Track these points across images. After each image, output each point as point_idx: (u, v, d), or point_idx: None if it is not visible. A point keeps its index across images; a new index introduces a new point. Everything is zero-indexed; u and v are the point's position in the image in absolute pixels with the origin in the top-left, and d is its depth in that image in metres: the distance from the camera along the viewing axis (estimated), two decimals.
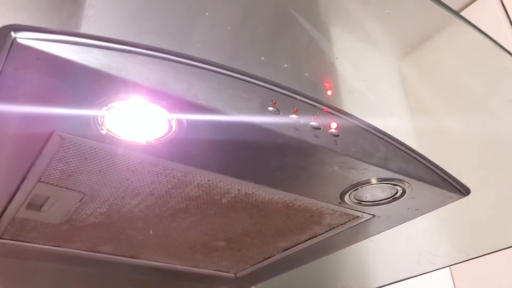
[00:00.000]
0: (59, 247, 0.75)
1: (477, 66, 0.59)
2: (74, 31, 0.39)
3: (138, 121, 0.45)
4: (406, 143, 0.61)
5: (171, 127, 0.46)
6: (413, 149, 0.61)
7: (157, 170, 0.55)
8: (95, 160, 0.52)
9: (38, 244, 0.73)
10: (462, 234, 0.79)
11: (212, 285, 0.97)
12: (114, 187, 0.58)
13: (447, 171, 0.63)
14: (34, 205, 0.61)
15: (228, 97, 0.46)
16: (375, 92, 0.60)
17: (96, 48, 0.39)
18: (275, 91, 0.51)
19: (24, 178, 0.54)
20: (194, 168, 0.55)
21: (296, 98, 0.52)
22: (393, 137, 0.59)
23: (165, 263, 0.85)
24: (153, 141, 0.48)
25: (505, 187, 0.69)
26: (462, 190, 0.65)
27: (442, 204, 0.67)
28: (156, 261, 0.84)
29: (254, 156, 0.53)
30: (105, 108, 0.43)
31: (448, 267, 1.04)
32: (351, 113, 0.57)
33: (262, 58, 0.52)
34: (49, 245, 0.74)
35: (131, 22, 0.45)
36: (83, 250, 0.77)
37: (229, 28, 0.51)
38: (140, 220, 0.67)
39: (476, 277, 1.07)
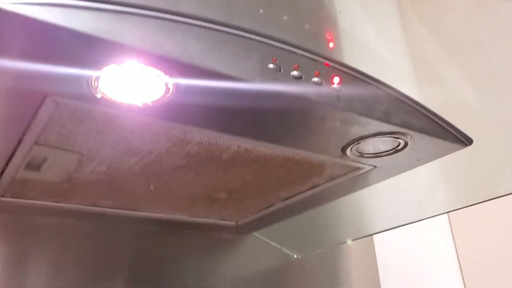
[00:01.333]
0: (60, 202, 0.75)
1: (486, 16, 0.57)
2: None
3: (134, 83, 0.44)
4: (408, 94, 0.60)
5: (168, 89, 0.44)
6: (416, 101, 0.59)
7: (156, 129, 0.54)
8: (92, 123, 0.51)
9: (39, 201, 0.73)
10: (460, 181, 0.79)
11: (213, 232, 0.98)
12: (112, 147, 0.57)
13: (449, 121, 0.62)
14: (33, 165, 0.60)
15: (226, 56, 0.44)
16: (378, 44, 0.58)
17: (84, 10, 0.37)
18: (276, 46, 0.49)
19: (20, 141, 0.53)
20: (193, 127, 0.53)
21: (297, 53, 0.50)
22: (395, 89, 0.58)
23: (166, 214, 0.86)
24: (150, 103, 0.47)
25: (505, 135, 0.69)
26: (465, 141, 0.64)
27: (443, 154, 0.66)
28: (158, 213, 0.85)
29: (254, 114, 0.52)
30: (99, 71, 0.41)
31: (446, 214, 1.05)
32: (353, 66, 0.56)
33: (261, 11, 0.49)
34: (50, 201, 0.74)
35: None
36: (84, 205, 0.77)
37: None
38: (141, 176, 0.67)
39: (473, 224, 1.09)
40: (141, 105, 0.47)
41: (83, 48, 0.38)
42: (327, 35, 0.54)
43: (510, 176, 0.75)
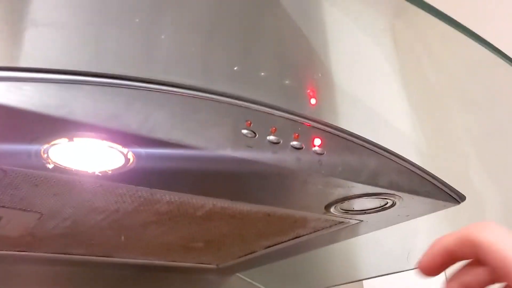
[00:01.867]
0: (27, 252, 0.70)
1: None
2: None
3: (90, 154, 0.39)
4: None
5: (128, 159, 0.40)
6: (406, 159, 0.55)
7: (120, 192, 0.49)
8: (47, 186, 0.46)
9: (3, 251, 0.68)
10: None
11: (193, 275, 0.93)
12: (74, 207, 0.52)
13: (443, 180, 0.58)
14: None
15: (194, 125, 0.39)
16: (372, 92, 0.54)
17: (27, 83, 0.32)
18: (250, 108, 0.44)
19: None
20: (161, 190, 0.49)
21: (274, 114, 0.46)
22: (385, 148, 0.53)
23: (141, 259, 0.81)
24: (109, 172, 0.42)
25: (503, 190, 0.65)
26: (457, 198, 0.60)
27: (434, 211, 0.62)
28: (132, 258, 0.80)
29: (228, 178, 0.47)
30: (47, 145, 0.37)
31: None
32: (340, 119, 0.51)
33: (235, 68, 0.45)
34: (15, 251, 0.69)
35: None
36: (53, 253, 0.72)
37: (197, 37, 0.43)
38: (109, 230, 0.62)
39: None
40: (100, 174, 0.42)
41: (27, 125, 0.34)
42: (309, 90, 0.50)
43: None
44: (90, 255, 0.75)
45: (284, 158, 0.44)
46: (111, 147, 0.38)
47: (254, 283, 1.03)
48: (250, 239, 0.73)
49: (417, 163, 0.56)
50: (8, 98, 0.31)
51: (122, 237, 0.66)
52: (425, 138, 0.63)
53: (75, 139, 0.36)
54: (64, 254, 0.73)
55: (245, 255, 0.83)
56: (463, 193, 0.60)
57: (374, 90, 0.60)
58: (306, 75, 0.51)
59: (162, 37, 0.40)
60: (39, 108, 0.32)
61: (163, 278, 0.91)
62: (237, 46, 0.47)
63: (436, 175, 0.57)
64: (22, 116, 0.33)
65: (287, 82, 0.49)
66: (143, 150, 0.39)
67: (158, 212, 0.56)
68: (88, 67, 0.35)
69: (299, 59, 0.52)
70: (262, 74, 0.47)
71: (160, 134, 0.37)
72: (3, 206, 0.50)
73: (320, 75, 0.53)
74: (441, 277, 0.95)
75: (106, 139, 0.36)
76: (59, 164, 0.40)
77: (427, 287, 1.16)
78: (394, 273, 0.84)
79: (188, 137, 0.39)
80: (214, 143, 0.40)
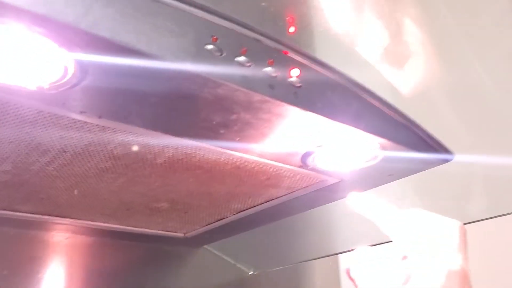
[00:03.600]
0: None
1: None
2: None
3: (24, 58, 0.32)
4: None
5: (66, 68, 0.33)
6: (393, 106, 0.50)
7: (64, 122, 0.42)
8: None
9: None
10: (433, 201, 0.70)
11: (158, 244, 0.87)
12: (11, 142, 0.45)
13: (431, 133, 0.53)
14: None
15: (147, 28, 0.33)
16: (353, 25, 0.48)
17: None
18: (218, 24, 0.38)
19: None
20: (112, 121, 0.42)
21: (245, 35, 0.39)
22: (369, 90, 0.48)
23: (101, 222, 0.74)
24: (46, 86, 0.35)
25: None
26: (446, 155, 0.54)
27: (420, 170, 0.57)
28: (91, 221, 0.73)
29: (189, 109, 0.41)
30: None
31: None
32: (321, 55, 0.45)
33: None
34: None
35: None
36: None
37: None
38: (58, 179, 0.55)
39: None
40: (35, 89, 0.35)
41: None
42: (288, 17, 0.44)
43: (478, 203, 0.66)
44: (40, 214, 0.67)
45: (255, 82, 0.38)
46: (46, 46, 0.31)
47: (223, 256, 0.97)
48: (220, 201, 0.67)
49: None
50: None
51: (76, 191, 0.59)
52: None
53: (3, 26, 0.29)
54: (9, 211, 0.65)
55: (215, 221, 0.76)
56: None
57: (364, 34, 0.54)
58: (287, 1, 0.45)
59: None
60: None
61: (126, 246, 0.84)
62: None
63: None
64: None
65: (263, 4, 0.43)
66: (83, 57, 0.32)
67: (112, 155, 0.49)
68: None
69: None
70: None
71: (104, 31, 0.31)
72: None
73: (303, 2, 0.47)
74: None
75: (37, 31, 0.30)
76: None
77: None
78: (375, 245, 0.78)
79: (139, 40, 0.32)
80: (170, 52, 0.34)
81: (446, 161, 0.55)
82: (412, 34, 0.53)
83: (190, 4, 0.36)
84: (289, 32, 0.44)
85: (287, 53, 0.42)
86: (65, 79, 0.34)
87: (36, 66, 0.33)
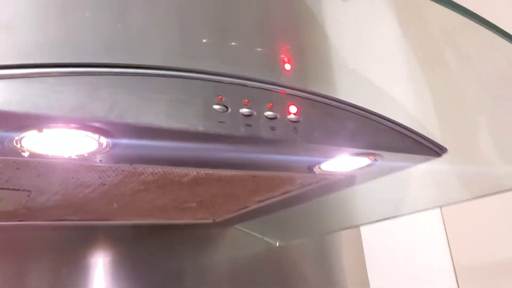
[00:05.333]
0: (24, 221, 0.72)
1: None
2: None
3: (63, 141, 0.40)
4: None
5: (101, 144, 0.40)
6: (385, 117, 0.55)
7: (102, 168, 0.50)
8: (29, 169, 0.47)
9: (1, 221, 0.71)
10: (453, 176, 0.75)
11: (191, 231, 0.97)
12: (60, 184, 0.53)
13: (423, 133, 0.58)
14: None
15: (163, 106, 0.40)
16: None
17: None
18: (221, 82, 0.44)
19: None
20: (142, 165, 0.50)
21: (246, 86, 0.46)
22: (362, 107, 0.53)
23: (139, 221, 0.84)
24: (85, 155, 0.43)
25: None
26: (438, 151, 0.60)
27: (417, 164, 0.63)
28: (129, 220, 0.82)
29: (205, 152, 0.48)
30: (17, 138, 0.37)
31: (439, 209, 1.03)
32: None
33: (204, 41, 0.44)
34: (13, 221, 0.72)
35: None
36: (49, 221, 0.74)
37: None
38: (100, 199, 0.64)
39: (467, 219, 1.07)
40: (76, 157, 0.43)
41: None
42: (283, 56, 0.49)
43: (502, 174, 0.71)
44: (86, 220, 0.77)
45: (258, 129, 0.45)
46: (82, 134, 0.38)
47: (252, 233, 1.07)
48: (242, 197, 0.75)
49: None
50: None
51: (115, 204, 0.68)
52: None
53: (44, 130, 0.36)
54: (61, 220, 0.75)
55: (239, 209, 0.85)
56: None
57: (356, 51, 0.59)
58: (279, 40, 0.50)
59: (122, 18, 0.39)
60: (4, 106, 0.33)
61: (162, 236, 0.94)
62: (204, 17, 0.46)
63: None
64: None
65: (258, 49, 0.48)
66: (115, 137, 0.40)
67: (144, 181, 0.57)
68: (49, 59, 0.35)
69: (272, 24, 0.51)
70: (232, 44, 0.47)
71: (129, 118, 0.38)
72: None
73: (294, 39, 0.52)
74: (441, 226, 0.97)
75: (75, 128, 0.37)
76: (34, 152, 0.41)
77: (426, 234, 1.21)
78: (391, 218, 0.85)
79: (158, 118, 0.39)
80: (185, 122, 0.40)
81: (439, 155, 0.61)
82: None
83: (194, 71, 0.42)
84: (286, 70, 0.50)
85: (285, 92, 0.48)
86: (100, 150, 0.42)
87: (76, 145, 0.41)
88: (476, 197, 0.77)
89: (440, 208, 1.10)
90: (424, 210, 0.82)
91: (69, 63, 0.36)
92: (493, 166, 0.68)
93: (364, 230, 1.21)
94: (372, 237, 1.28)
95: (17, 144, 0.39)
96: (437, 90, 0.65)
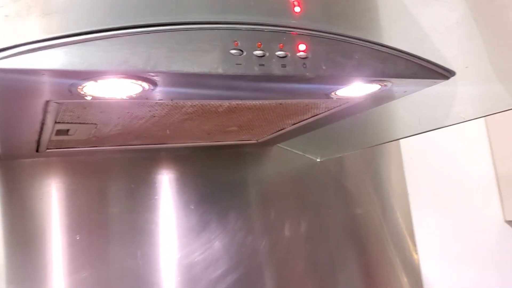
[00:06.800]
0: (96, 146, 0.87)
1: None
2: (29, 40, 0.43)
3: (116, 86, 0.51)
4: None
5: (144, 88, 0.51)
6: (392, 47, 0.62)
7: (150, 103, 0.62)
8: (93, 108, 0.60)
9: (78, 148, 0.86)
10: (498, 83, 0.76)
11: (237, 149, 1.09)
12: (119, 117, 0.66)
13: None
14: (61, 132, 0.71)
15: (188, 54, 0.49)
16: None
17: (55, 48, 0.44)
18: (236, 29, 0.53)
19: (42, 124, 0.63)
20: (181, 100, 0.61)
21: (259, 30, 0.54)
22: (368, 40, 0.60)
23: (191, 143, 0.97)
24: (134, 95, 0.54)
25: None
26: (446, 74, 0.66)
27: (427, 86, 0.69)
28: (183, 143, 0.96)
29: (229, 88, 0.58)
30: (80, 86, 0.49)
31: (483, 118, 1.03)
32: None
33: None
34: (88, 147, 0.87)
35: None
36: (117, 146, 0.89)
37: None
38: (154, 127, 0.76)
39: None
40: (127, 98, 0.54)
41: (61, 78, 0.46)
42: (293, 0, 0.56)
43: None
44: (147, 144, 0.91)
45: (270, 68, 0.53)
46: (128, 81, 0.49)
47: (294, 150, 1.18)
48: (276, 120, 0.85)
49: None
50: (41, 64, 0.43)
51: (168, 131, 0.81)
52: None
53: (99, 80, 0.48)
54: (126, 145, 0.90)
55: (277, 131, 0.95)
56: None
57: None
58: None
59: None
60: (67, 66, 0.44)
61: (212, 155, 1.07)
62: None
63: None
64: (56, 74, 0.45)
65: None
66: (155, 81, 0.50)
67: (186, 112, 0.68)
68: (98, 26, 0.46)
69: None
70: None
71: (162, 67, 0.48)
72: (67, 123, 0.65)
73: None
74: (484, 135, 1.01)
75: (122, 78, 0.48)
76: (94, 95, 0.53)
77: (469, 143, 1.25)
78: (432, 130, 0.88)
79: (185, 65, 0.49)
80: (207, 67, 0.50)
81: (448, 78, 0.67)
82: None
83: (212, 23, 0.51)
84: (296, 13, 0.57)
85: (296, 33, 0.56)
86: (144, 92, 0.53)
87: (126, 89, 0.52)
88: None
89: (485, 118, 1.10)
90: (468, 120, 0.83)
91: (112, 27, 0.46)
92: None
93: (404, 144, 1.28)
94: (412, 150, 1.35)
95: (81, 91, 0.50)
96: None
